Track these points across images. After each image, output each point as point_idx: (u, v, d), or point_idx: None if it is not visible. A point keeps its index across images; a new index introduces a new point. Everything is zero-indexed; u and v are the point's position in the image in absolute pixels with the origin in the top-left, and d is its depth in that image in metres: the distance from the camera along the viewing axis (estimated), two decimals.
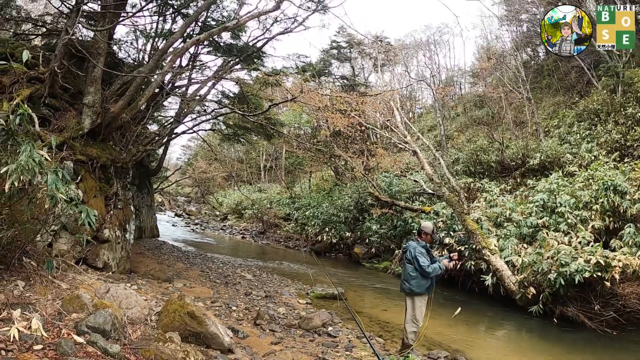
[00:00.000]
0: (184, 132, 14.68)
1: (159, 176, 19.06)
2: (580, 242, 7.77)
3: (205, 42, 11.36)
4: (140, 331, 3.97)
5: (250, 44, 12.03)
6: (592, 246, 7.44)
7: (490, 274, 8.79)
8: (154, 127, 13.83)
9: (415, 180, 14.48)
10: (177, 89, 12.24)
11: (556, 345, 6.74)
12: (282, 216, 22.15)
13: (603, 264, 6.89)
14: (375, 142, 20.66)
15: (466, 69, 29.62)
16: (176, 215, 29.64)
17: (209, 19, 11.38)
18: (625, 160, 10.38)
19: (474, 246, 9.37)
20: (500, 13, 23.10)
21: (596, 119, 13.39)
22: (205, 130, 17.34)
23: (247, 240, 20.66)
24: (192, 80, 12.64)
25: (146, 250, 11.69)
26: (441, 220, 11.29)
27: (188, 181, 36.93)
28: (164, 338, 3.86)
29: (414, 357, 5.13)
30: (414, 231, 11.58)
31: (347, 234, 15.73)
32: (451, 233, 10.57)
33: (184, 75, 12.26)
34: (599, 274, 6.91)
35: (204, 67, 12.97)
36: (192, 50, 11.64)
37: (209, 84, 12.25)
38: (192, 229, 23.14)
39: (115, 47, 10.29)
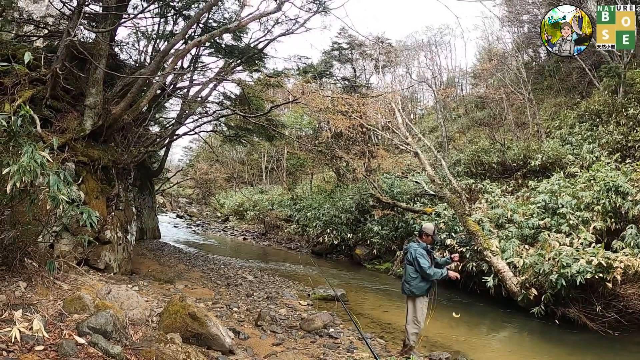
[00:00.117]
0: (185, 134, 14.77)
1: (160, 177, 19.11)
2: (581, 243, 7.75)
3: (207, 44, 11.39)
4: (142, 332, 3.97)
5: (252, 45, 12.06)
6: (593, 247, 7.42)
7: (492, 275, 8.78)
8: (155, 129, 13.85)
9: (416, 182, 14.48)
10: (178, 91, 12.27)
11: (558, 346, 6.71)
12: (284, 218, 22.13)
13: (605, 265, 6.87)
14: (377, 144, 20.64)
15: (467, 70, 29.63)
16: (178, 216, 29.67)
17: (210, 21, 11.41)
18: (627, 161, 10.39)
19: (475, 247, 9.36)
20: (501, 14, 23.14)
21: (598, 119, 13.38)
22: (207, 132, 17.39)
23: (248, 241, 20.64)
24: (194, 82, 12.66)
25: (148, 251, 11.71)
26: (443, 222, 11.27)
27: (189, 182, 36.92)
28: (165, 339, 3.87)
29: (415, 358, 5.12)
30: (415, 232, 11.56)
31: (349, 235, 15.70)
32: (453, 234, 10.57)
33: (185, 76, 12.31)
34: (601, 275, 6.88)
35: (205, 69, 13.01)
36: (193, 51, 11.69)
37: (211, 85, 12.26)
38: (194, 231, 23.14)
39: (116, 49, 10.32)
